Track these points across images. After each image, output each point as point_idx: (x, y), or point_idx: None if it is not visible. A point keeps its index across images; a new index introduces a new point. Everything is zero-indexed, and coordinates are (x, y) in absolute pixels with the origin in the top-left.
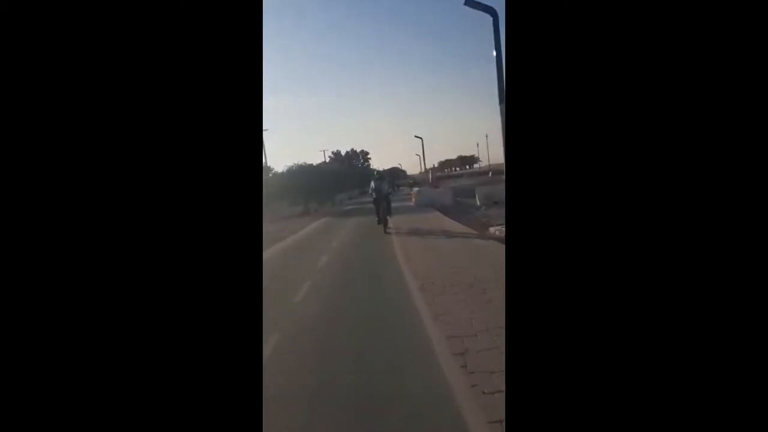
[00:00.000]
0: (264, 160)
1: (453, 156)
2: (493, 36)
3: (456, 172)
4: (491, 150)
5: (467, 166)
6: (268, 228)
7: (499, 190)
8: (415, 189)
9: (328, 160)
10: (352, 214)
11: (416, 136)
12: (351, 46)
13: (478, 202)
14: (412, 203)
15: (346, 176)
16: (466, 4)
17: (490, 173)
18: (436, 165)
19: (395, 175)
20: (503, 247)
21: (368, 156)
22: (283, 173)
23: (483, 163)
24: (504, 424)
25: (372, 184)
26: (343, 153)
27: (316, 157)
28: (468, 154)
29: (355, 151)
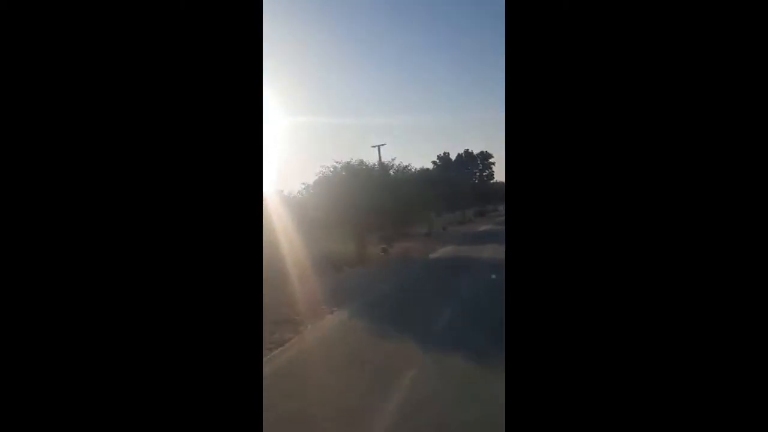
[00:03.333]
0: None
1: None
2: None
3: None
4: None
5: None
6: None
7: None
8: None
9: (380, 158)
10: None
11: None
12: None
13: None
14: None
15: (450, 189)
16: None
17: None
18: None
19: None
20: None
21: (491, 161)
22: (320, 182)
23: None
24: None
25: None
26: (453, 156)
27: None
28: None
29: (471, 153)
